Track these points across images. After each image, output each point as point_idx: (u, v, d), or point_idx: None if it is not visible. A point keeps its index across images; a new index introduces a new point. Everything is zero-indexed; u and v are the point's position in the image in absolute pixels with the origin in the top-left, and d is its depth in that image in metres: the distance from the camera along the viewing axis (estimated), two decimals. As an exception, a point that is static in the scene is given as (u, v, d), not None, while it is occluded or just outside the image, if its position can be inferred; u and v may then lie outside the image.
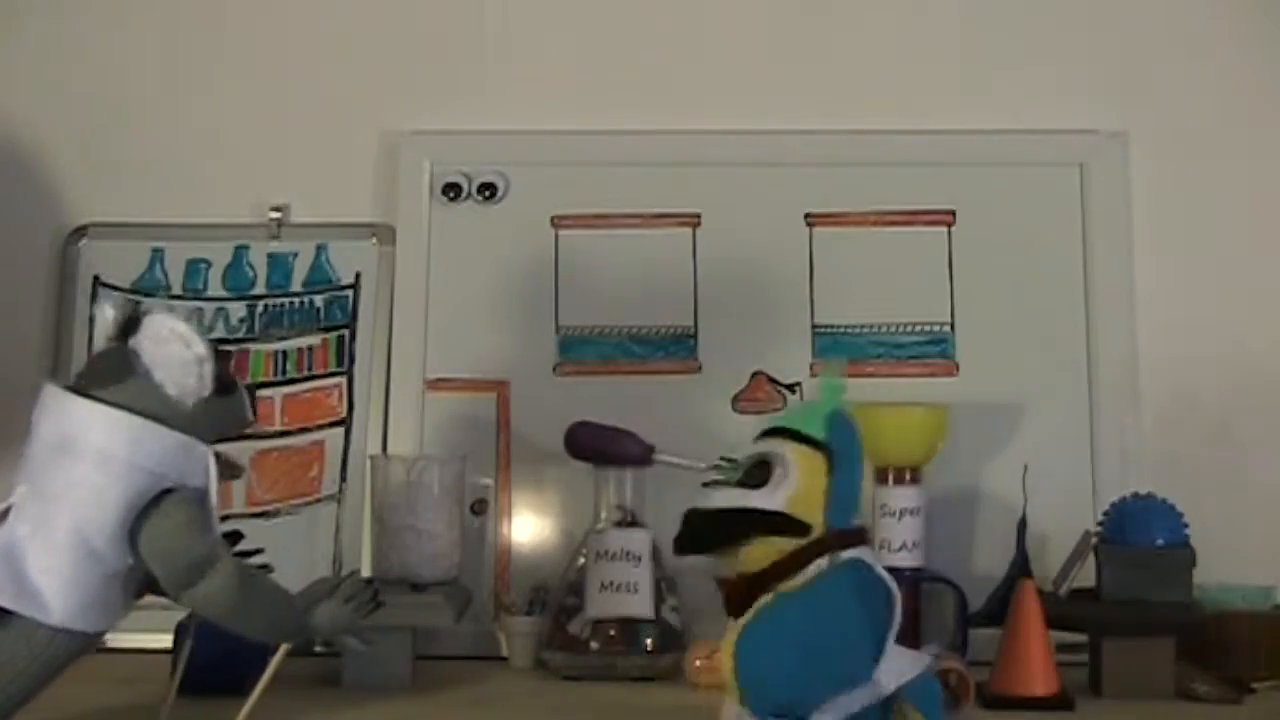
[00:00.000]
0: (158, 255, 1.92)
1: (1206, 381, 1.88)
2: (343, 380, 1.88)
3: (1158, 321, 1.87)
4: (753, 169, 1.90)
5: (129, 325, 1.35)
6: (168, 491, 1.31)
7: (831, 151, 1.90)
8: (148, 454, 1.31)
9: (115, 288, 1.90)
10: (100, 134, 1.94)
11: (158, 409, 1.32)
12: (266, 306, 1.90)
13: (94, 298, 1.90)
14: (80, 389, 1.33)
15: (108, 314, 1.37)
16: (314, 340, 1.89)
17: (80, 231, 1.93)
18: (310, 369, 1.88)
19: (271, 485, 1.84)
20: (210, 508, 1.34)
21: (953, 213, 1.89)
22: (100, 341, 1.37)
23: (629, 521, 1.73)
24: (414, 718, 1.54)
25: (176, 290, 1.90)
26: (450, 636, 1.74)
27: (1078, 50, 1.92)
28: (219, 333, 1.88)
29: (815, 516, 1.27)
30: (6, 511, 1.32)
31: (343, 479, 1.85)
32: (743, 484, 1.29)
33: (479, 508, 1.84)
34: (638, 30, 1.94)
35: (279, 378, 1.88)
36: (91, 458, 1.30)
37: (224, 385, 1.36)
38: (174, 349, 1.33)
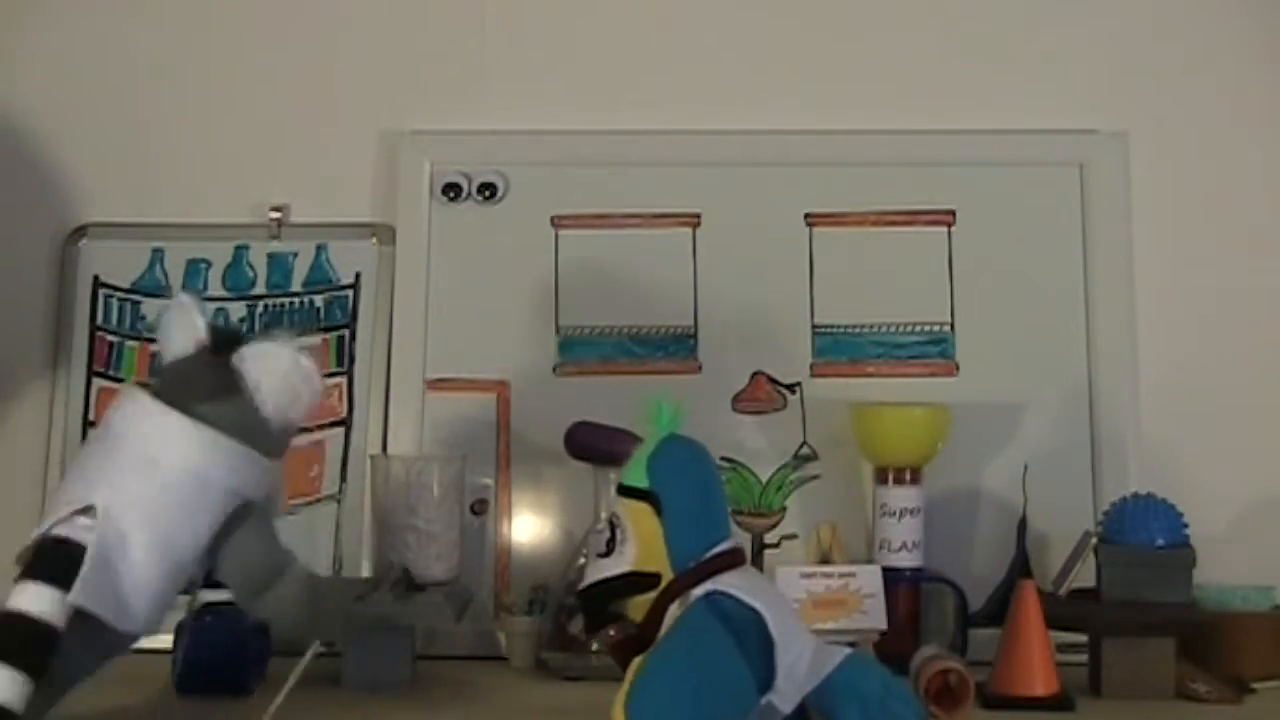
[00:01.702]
0: (158, 255, 1.92)
1: (1206, 381, 1.88)
2: (343, 380, 1.88)
3: (1158, 321, 1.87)
4: (753, 169, 1.90)
5: (227, 341, 1.35)
6: (245, 507, 1.34)
7: (831, 151, 1.90)
8: (241, 479, 1.33)
9: (115, 288, 1.90)
10: (100, 134, 1.94)
11: (252, 433, 1.33)
12: (266, 306, 1.90)
13: (94, 298, 1.90)
14: (176, 401, 1.33)
15: (198, 320, 1.36)
16: (314, 340, 1.89)
17: (80, 231, 1.93)
18: (310, 369, 1.88)
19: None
20: (274, 518, 1.38)
21: (953, 213, 1.89)
22: (177, 342, 1.36)
23: (629, 521, 1.72)
24: (414, 718, 1.54)
25: (177, 290, 1.90)
26: (450, 636, 1.74)
27: (1078, 50, 1.92)
28: (219, 333, 1.88)
29: (661, 564, 1.30)
30: (84, 511, 1.30)
31: (343, 479, 1.85)
32: (600, 554, 1.33)
33: (479, 508, 1.84)
34: (637, 30, 1.94)
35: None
36: (187, 475, 1.31)
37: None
38: (293, 380, 1.34)
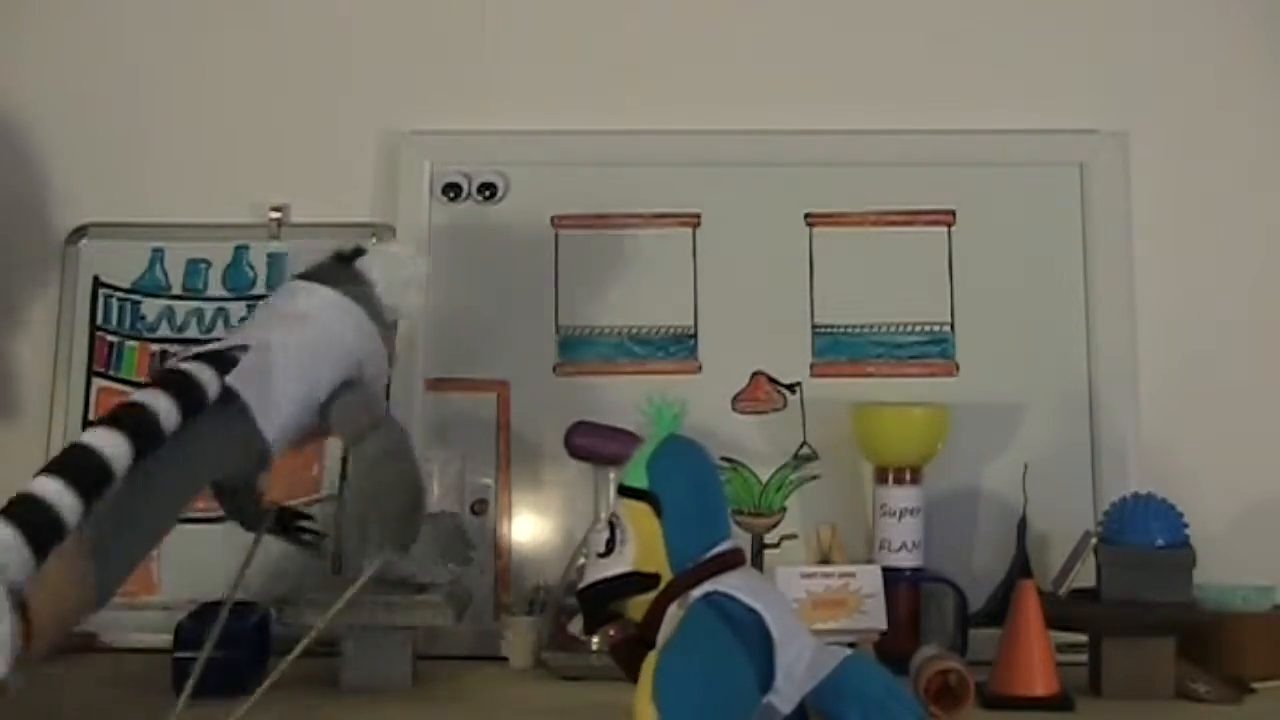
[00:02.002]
0: (158, 255, 1.92)
1: (1206, 381, 1.88)
2: (343, 380, 1.88)
3: (1158, 321, 1.87)
4: (753, 169, 1.90)
5: (352, 255, 1.55)
6: (355, 378, 1.50)
7: (831, 151, 1.90)
8: (363, 346, 1.51)
9: (115, 288, 1.90)
10: (100, 134, 1.94)
11: (373, 312, 1.52)
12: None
13: (94, 298, 1.90)
14: (319, 279, 1.52)
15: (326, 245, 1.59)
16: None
17: (80, 231, 1.93)
18: (310, 369, 1.88)
19: (271, 485, 1.84)
20: (381, 385, 1.59)
21: (953, 213, 1.89)
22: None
23: (629, 521, 1.72)
24: (414, 718, 1.54)
25: (176, 290, 1.90)
26: (450, 636, 1.74)
27: (1078, 50, 1.92)
28: (219, 333, 1.88)
29: (660, 565, 1.31)
30: (241, 348, 1.43)
31: (343, 479, 1.85)
32: (600, 554, 1.34)
33: (479, 508, 1.84)
34: (637, 30, 1.94)
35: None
36: (325, 332, 1.49)
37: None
38: (404, 273, 1.55)
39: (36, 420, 1.89)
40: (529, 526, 1.84)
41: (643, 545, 1.31)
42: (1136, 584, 1.61)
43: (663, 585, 1.31)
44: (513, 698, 1.60)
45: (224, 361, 1.41)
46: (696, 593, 1.30)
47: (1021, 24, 1.92)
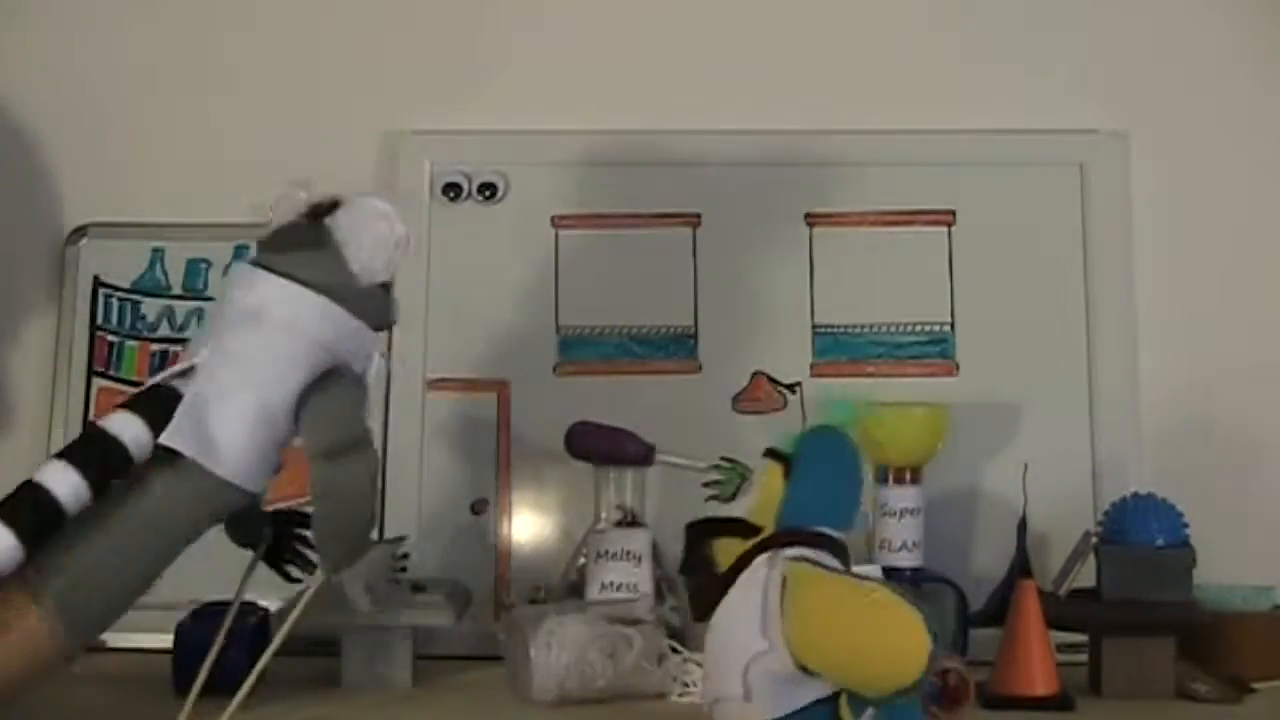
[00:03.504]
0: (158, 255, 1.92)
1: (1207, 381, 1.88)
2: (343, 380, 1.88)
3: (1158, 321, 1.87)
4: (753, 169, 1.90)
5: (325, 209, 1.40)
6: (339, 369, 1.38)
7: (831, 151, 1.90)
8: (329, 332, 1.38)
9: (115, 288, 1.90)
10: (100, 134, 1.95)
11: (337, 288, 1.38)
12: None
13: (94, 298, 1.90)
14: (269, 264, 1.39)
15: (299, 195, 1.42)
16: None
17: (80, 231, 1.93)
18: (310, 369, 1.88)
19: (272, 484, 1.84)
20: (367, 392, 1.42)
21: (953, 213, 1.89)
22: (284, 217, 1.42)
23: (629, 521, 1.73)
24: (414, 718, 1.54)
25: (176, 290, 1.90)
26: (450, 636, 1.74)
27: (1078, 50, 1.92)
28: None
29: (767, 521, 1.32)
30: (189, 370, 1.36)
31: (343, 479, 1.84)
32: (724, 499, 1.42)
33: (479, 508, 1.84)
34: (638, 30, 1.94)
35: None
36: (278, 329, 1.36)
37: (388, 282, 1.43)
38: (379, 227, 1.39)
39: (36, 420, 1.89)
40: (529, 526, 1.84)
41: (762, 500, 1.34)
42: (1136, 584, 1.61)
43: (761, 537, 1.33)
44: (513, 697, 1.60)
45: (161, 407, 1.34)
46: (788, 552, 1.30)
47: (1021, 24, 1.92)
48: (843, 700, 1.24)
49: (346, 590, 1.48)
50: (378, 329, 1.44)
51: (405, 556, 1.65)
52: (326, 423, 1.37)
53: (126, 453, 1.33)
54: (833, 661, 1.24)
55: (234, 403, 1.35)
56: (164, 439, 1.33)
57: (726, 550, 1.34)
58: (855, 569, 1.65)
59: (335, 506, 1.38)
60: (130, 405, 1.35)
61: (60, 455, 1.32)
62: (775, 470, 1.34)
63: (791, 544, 1.31)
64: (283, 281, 1.38)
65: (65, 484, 1.30)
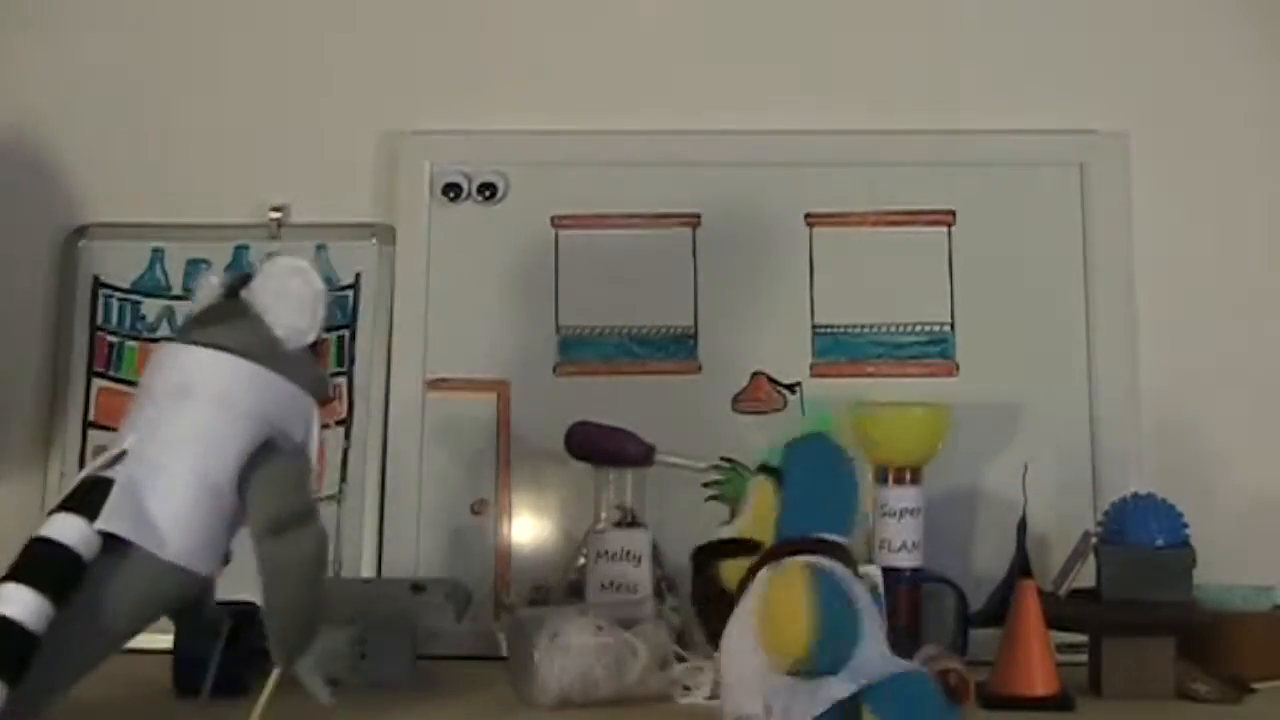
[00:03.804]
0: (158, 255, 1.92)
1: (1206, 382, 1.88)
2: (343, 380, 1.88)
3: (1158, 321, 1.87)
4: (753, 169, 1.90)
5: (239, 283, 1.38)
6: (278, 440, 1.34)
7: (831, 151, 1.90)
8: (262, 400, 1.34)
9: (115, 288, 1.90)
10: (100, 134, 1.94)
11: (266, 354, 1.34)
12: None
13: (94, 298, 1.90)
14: (192, 338, 1.35)
15: (212, 280, 1.40)
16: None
17: (80, 231, 1.93)
18: (310, 369, 1.88)
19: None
20: (311, 463, 1.37)
21: (953, 213, 1.89)
22: (199, 302, 1.40)
23: (629, 521, 1.73)
24: (414, 718, 1.54)
25: (176, 290, 1.90)
26: (450, 636, 1.74)
27: (1078, 50, 1.92)
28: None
29: (766, 536, 1.34)
30: (119, 457, 1.32)
31: (343, 479, 1.85)
32: (723, 523, 1.41)
33: (479, 508, 1.84)
34: (638, 30, 1.94)
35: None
36: (211, 402, 1.32)
37: (315, 347, 1.39)
38: (293, 284, 1.36)
39: (37, 421, 1.89)
40: (529, 526, 1.84)
41: (756, 516, 1.35)
42: (1136, 584, 1.61)
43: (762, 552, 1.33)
44: (513, 697, 1.60)
45: (94, 497, 1.29)
46: (786, 561, 1.31)
47: (1021, 24, 1.92)
48: (865, 704, 1.24)
49: (305, 682, 1.39)
50: (314, 396, 1.39)
51: (364, 643, 1.59)
52: (268, 497, 1.32)
53: (75, 555, 1.27)
54: (761, 642, 1.27)
55: (171, 480, 1.31)
56: (100, 524, 1.27)
57: (732, 572, 1.35)
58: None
59: (283, 584, 1.32)
60: (66, 505, 1.29)
61: (10, 577, 1.25)
62: (765, 485, 1.35)
63: (793, 553, 1.31)
64: (209, 352, 1.34)
65: (24, 607, 1.24)
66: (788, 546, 1.32)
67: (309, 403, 1.37)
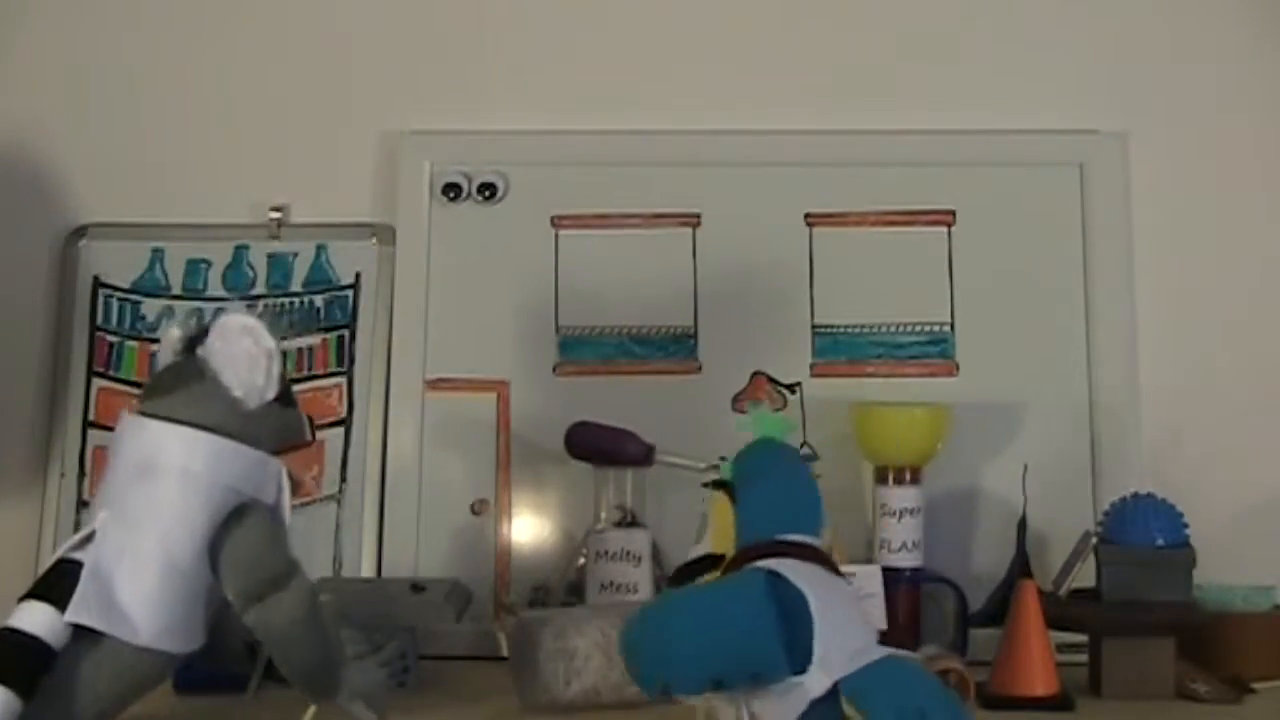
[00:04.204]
0: (158, 255, 1.92)
1: (1206, 382, 1.88)
2: (343, 380, 1.88)
3: (1158, 321, 1.87)
4: (753, 169, 1.90)
5: (196, 338, 1.36)
6: (245, 506, 1.33)
7: (831, 151, 1.90)
8: (226, 471, 1.33)
9: (115, 288, 1.90)
10: (100, 134, 1.94)
11: (226, 419, 1.33)
12: (266, 306, 1.90)
13: (94, 298, 1.90)
14: (152, 410, 1.34)
15: (173, 333, 1.38)
16: (314, 340, 1.89)
17: (80, 231, 1.93)
18: (310, 369, 1.88)
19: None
20: (284, 523, 1.35)
21: (953, 213, 1.89)
22: (165, 359, 1.38)
23: (629, 521, 1.73)
24: (414, 718, 1.53)
25: (176, 290, 1.90)
26: (450, 636, 1.74)
27: (1078, 50, 1.92)
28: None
29: (729, 547, 1.33)
30: (90, 536, 1.31)
31: (343, 479, 1.85)
32: (694, 545, 1.40)
33: (479, 508, 1.84)
34: (637, 30, 1.94)
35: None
36: (173, 477, 1.32)
37: (285, 395, 1.37)
38: (243, 344, 1.34)
39: (36, 420, 1.89)
40: (529, 526, 1.84)
41: (718, 529, 1.35)
42: (1136, 584, 1.61)
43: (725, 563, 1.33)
44: (512, 698, 1.60)
45: (65, 583, 1.28)
46: (755, 565, 1.31)
47: (1021, 24, 1.92)
48: (842, 697, 1.24)
49: (350, 709, 1.40)
50: (282, 451, 1.38)
51: (404, 657, 1.60)
52: (243, 568, 1.32)
53: (44, 646, 1.27)
54: None
55: (137, 564, 1.30)
56: (69, 616, 1.27)
57: None
58: (856, 569, 1.66)
59: (280, 646, 1.33)
60: (36, 592, 1.30)
61: None
62: (720, 499, 1.36)
63: (756, 558, 1.31)
64: (168, 426, 1.33)
65: None
66: (748, 553, 1.32)
67: (275, 466, 1.36)
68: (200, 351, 1.35)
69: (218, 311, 1.81)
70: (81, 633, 1.28)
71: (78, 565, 1.30)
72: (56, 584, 1.29)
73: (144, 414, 1.34)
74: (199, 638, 1.34)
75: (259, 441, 1.35)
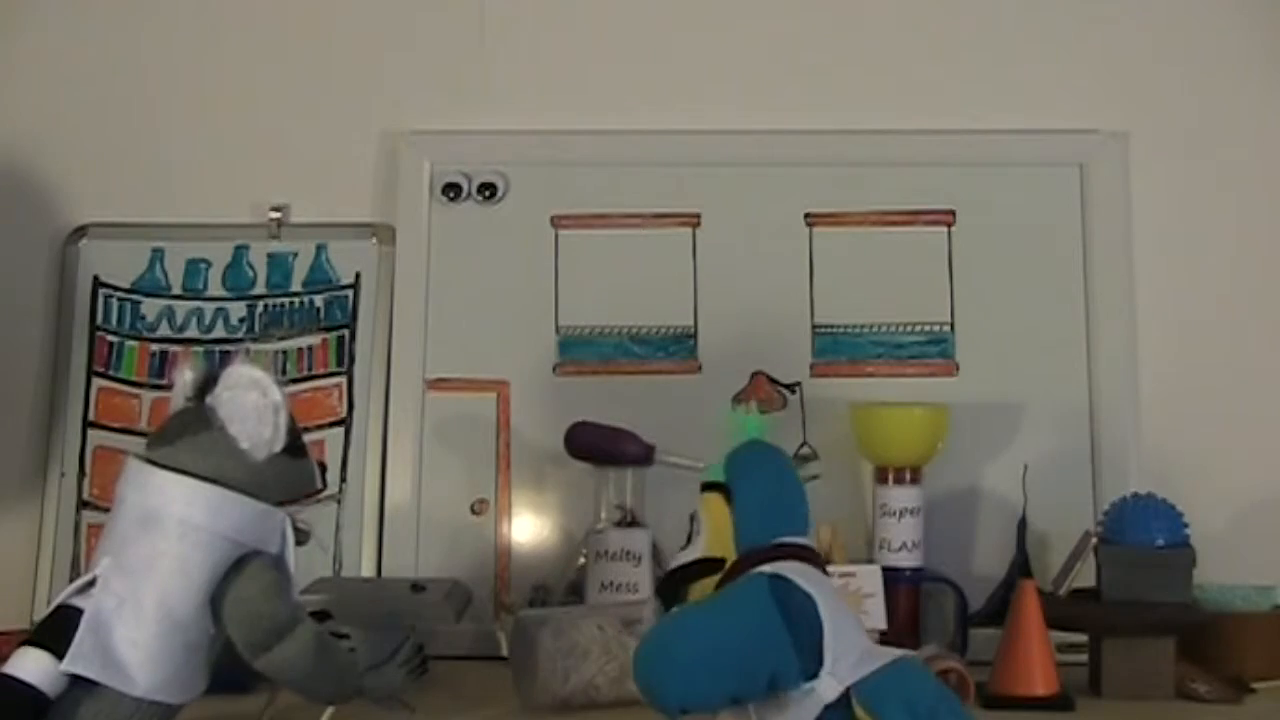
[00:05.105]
0: (158, 255, 1.92)
1: (1206, 381, 1.88)
2: (343, 380, 1.88)
3: (1157, 321, 1.87)
4: (753, 169, 1.90)
5: (206, 384, 1.35)
6: (247, 557, 1.32)
7: (831, 151, 1.90)
8: (228, 523, 1.32)
9: (115, 288, 1.90)
10: (100, 134, 1.94)
11: (232, 471, 1.32)
12: (266, 306, 1.90)
13: (94, 298, 1.90)
14: (158, 458, 1.33)
15: (186, 376, 1.37)
16: (314, 340, 1.89)
17: (80, 231, 1.93)
18: (310, 369, 1.88)
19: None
20: (288, 572, 1.35)
21: (953, 213, 1.89)
22: (178, 402, 1.37)
23: (629, 521, 1.73)
24: (414, 717, 1.53)
25: (176, 290, 1.90)
26: (450, 636, 1.74)
27: (1078, 50, 1.92)
28: (219, 333, 1.89)
29: (728, 550, 1.32)
30: (91, 582, 1.31)
31: (343, 479, 1.85)
32: (681, 548, 1.37)
33: (479, 508, 1.84)
34: (638, 30, 1.94)
35: (279, 378, 1.87)
36: (174, 529, 1.31)
37: (294, 446, 1.36)
38: (250, 396, 1.33)
39: (36, 420, 1.89)
40: (529, 526, 1.84)
41: (714, 533, 1.33)
42: (1136, 584, 1.61)
43: (726, 568, 1.32)
44: (512, 698, 1.60)
45: (64, 631, 1.28)
46: (760, 570, 1.30)
47: (1021, 24, 1.92)
48: (854, 701, 1.24)
49: (383, 705, 1.43)
50: (288, 502, 1.37)
51: (421, 649, 1.55)
52: (247, 621, 1.32)
53: (39, 694, 1.26)
54: None
55: (136, 615, 1.29)
56: (66, 666, 1.26)
57: (702, 593, 1.33)
58: (856, 569, 1.66)
59: (294, 685, 1.35)
60: (35, 639, 1.29)
61: None
62: (715, 500, 1.34)
63: (759, 563, 1.31)
64: (174, 478, 1.32)
65: None
66: (750, 558, 1.32)
67: (279, 517, 1.35)
68: (209, 400, 1.34)
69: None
70: (79, 682, 1.28)
71: (78, 612, 1.29)
72: (56, 631, 1.28)
73: (150, 461, 1.34)
74: (199, 686, 1.34)
75: (265, 493, 1.34)
